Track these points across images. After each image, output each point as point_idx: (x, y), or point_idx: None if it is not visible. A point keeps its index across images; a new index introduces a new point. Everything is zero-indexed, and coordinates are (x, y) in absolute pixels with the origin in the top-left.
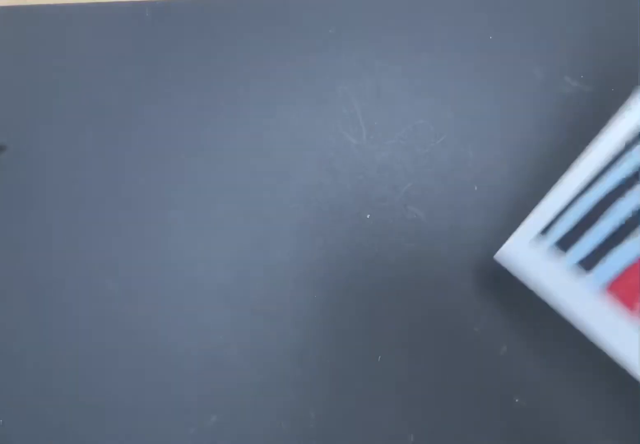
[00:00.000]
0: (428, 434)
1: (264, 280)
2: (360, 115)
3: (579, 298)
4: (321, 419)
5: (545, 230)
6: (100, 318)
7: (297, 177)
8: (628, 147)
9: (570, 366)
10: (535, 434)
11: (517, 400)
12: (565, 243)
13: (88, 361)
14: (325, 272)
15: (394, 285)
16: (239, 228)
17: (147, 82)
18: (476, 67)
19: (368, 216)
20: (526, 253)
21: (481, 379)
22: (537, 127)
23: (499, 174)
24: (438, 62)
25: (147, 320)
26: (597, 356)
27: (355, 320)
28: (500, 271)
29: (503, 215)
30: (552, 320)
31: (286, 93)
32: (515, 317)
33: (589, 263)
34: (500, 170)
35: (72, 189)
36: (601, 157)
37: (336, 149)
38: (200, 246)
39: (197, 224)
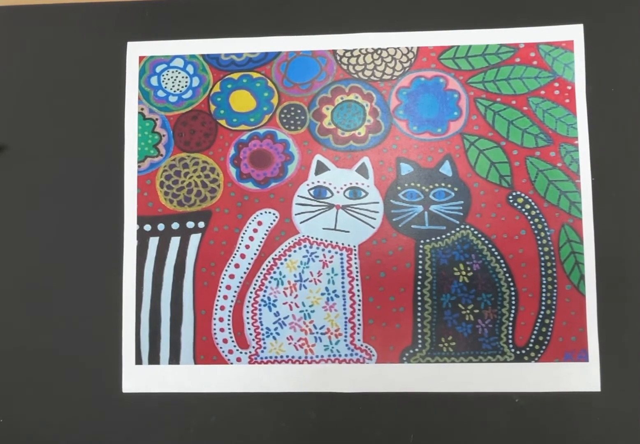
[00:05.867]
0: (428, 434)
1: None
2: None
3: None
4: (321, 420)
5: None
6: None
7: None
8: None
9: None
10: (535, 434)
11: (517, 400)
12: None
13: (87, 361)
14: None
15: None
16: None
17: None
18: None
19: None
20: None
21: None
22: None
23: None
24: None
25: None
26: None
27: None
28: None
29: None
30: None
31: None
32: None
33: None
34: None
35: (72, 189)
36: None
37: None
38: None
39: None
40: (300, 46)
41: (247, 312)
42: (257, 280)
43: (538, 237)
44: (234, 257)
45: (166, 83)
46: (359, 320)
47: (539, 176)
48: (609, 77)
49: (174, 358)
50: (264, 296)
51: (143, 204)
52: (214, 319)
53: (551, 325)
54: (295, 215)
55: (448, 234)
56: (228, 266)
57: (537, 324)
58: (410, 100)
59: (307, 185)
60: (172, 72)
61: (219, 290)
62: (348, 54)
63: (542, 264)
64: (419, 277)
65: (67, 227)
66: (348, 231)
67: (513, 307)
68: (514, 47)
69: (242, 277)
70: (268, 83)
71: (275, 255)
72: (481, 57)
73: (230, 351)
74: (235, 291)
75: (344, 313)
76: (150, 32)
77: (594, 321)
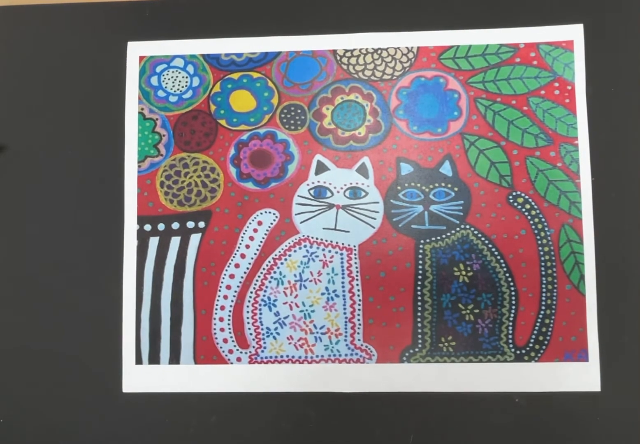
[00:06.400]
0: (428, 434)
1: None
2: None
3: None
4: (321, 419)
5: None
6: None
7: None
8: None
9: None
10: (535, 434)
11: (517, 400)
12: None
13: (87, 361)
14: None
15: None
16: None
17: None
18: None
19: None
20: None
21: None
22: None
23: None
24: None
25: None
26: None
27: None
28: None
29: None
30: None
31: None
32: None
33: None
34: None
35: (72, 189)
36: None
37: None
38: None
39: None
40: (300, 46)
41: (247, 312)
42: (257, 280)
43: (538, 237)
44: (234, 257)
45: (166, 83)
46: (359, 319)
47: (539, 176)
48: (609, 77)
49: (174, 358)
50: (264, 296)
51: (143, 204)
52: (214, 319)
53: (551, 325)
54: (296, 215)
55: (448, 234)
56: (228, 266)
57: (537, 324)
58: (411, 100)
59: (307, 185)
60: (172, 72)
61: (219, 290)
62: (348, 54)
63: (542, 264)
64: (419, 277)
65: (68, 227)
66: (348, 231)
67: (513, 307)
68: (514, 47)
69: (242, 277)
70: (268, 83)
71: (276, 255)
72: (481, 57)
73: (231, 351)
74: (235, 291)
75: (344, 313)
76: (150, 32)
77: (594, 321)
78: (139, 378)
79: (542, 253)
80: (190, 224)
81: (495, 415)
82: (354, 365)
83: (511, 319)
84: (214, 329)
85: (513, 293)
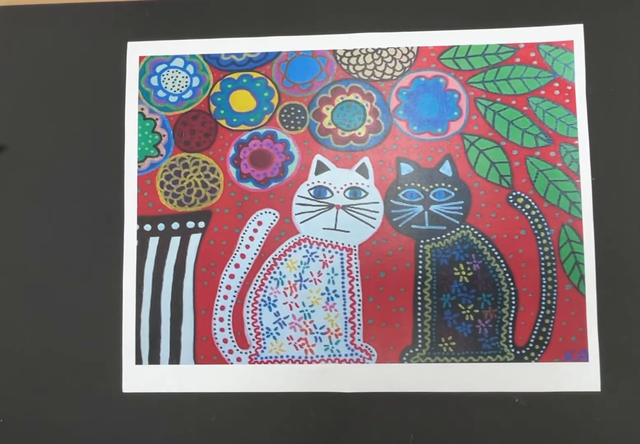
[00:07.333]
0: (428, 434)
1: None
2: None
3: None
4: (321, 419)
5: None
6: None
7: None
8: None
9: None
10: (535, 434)
11: (517, 400)
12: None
13: (87, 361)
14: None
15: None
16: None
17: None
18: None
19: None
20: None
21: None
22: None
23: None
24: None
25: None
26: None
27: None
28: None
29: None
30: None
31: None
32: None
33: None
34: None
35: (72, 189)
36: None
37: None
38: None
39: None
40: (300, 46)
41: (247, 312)
42: (257, 280)
43: (538, 237)
44: (234, 257)
45: (166, 83)
46: (359, 319)
47: (539, 176)
48: (609, 77)
49: (174, 358)
50: (264, 296)
51: (143, 204)
52: (214, 319)
53: (551, 325)
54: (295, 215)
55: (448, 234)
56: (228, 266)
57: (537, 324)
58: (411, 100)
59: (307, 185)
60: (172, 72)
61: (219, 290)
62: (348, 54)
63: (542, 264)
64: (419, 277)
65: (67, 227)
66: (348, 231)
67: (513, 307)
68: (514, 47)
69: (242, 277)
70: (268, 83)
71: (276, 255)
72: (481, 57)
73: (231, 351)
74: (235, 291)
75: (344, 313)
76: (150, 32)
77: (594, 321)
78: (139, 378)
79: (542, 253)
80: (190, 224)
81: (495, 415)
82: (354, 365)
83: (511, 319)
84: (214, 329)
85: (513, 293)
